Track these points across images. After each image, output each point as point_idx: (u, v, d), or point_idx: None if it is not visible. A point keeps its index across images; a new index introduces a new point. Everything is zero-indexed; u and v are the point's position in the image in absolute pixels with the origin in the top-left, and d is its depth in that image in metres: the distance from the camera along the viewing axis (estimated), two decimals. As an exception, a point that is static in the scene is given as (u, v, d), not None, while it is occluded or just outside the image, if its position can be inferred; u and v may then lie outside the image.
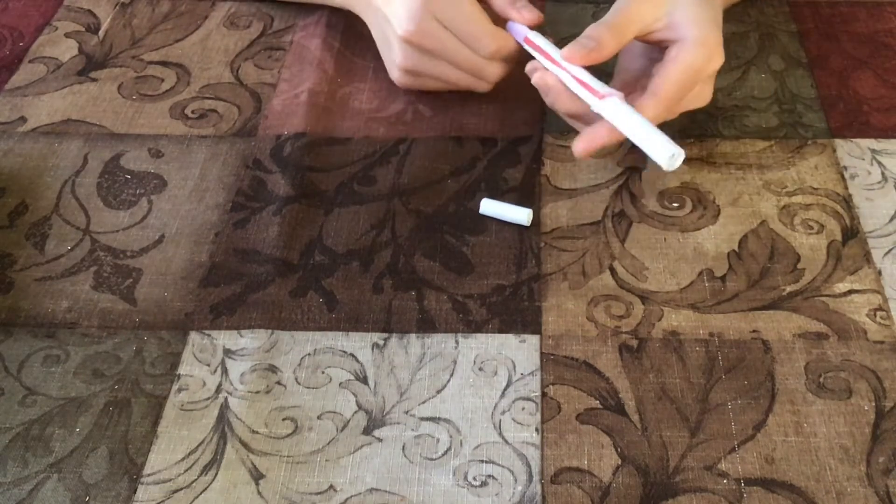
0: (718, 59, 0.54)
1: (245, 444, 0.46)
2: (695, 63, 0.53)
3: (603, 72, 0.55)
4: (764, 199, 0.56)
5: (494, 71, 0.60)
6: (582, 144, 0.53)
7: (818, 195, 0.56)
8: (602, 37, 0.54)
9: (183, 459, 0.45)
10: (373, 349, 0.50)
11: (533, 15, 0.59)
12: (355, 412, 0.47)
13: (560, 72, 0.54)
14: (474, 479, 0.44)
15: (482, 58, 0.59)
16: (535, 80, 0.55)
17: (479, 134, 0.61)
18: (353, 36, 0.68)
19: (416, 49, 0.60)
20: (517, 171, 0.58)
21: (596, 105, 0.52)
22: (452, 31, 0.58)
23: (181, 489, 0.44)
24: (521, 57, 0.58)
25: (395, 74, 0.63)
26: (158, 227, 0.56)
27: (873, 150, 0.59)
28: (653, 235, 0.54)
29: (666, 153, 0.49)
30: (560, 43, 0.56)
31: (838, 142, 0.59)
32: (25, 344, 0.50)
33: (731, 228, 0.55)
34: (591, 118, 0.53)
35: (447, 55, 0.59)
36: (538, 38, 0.58)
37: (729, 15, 0.69)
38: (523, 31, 0.59)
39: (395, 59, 0.61)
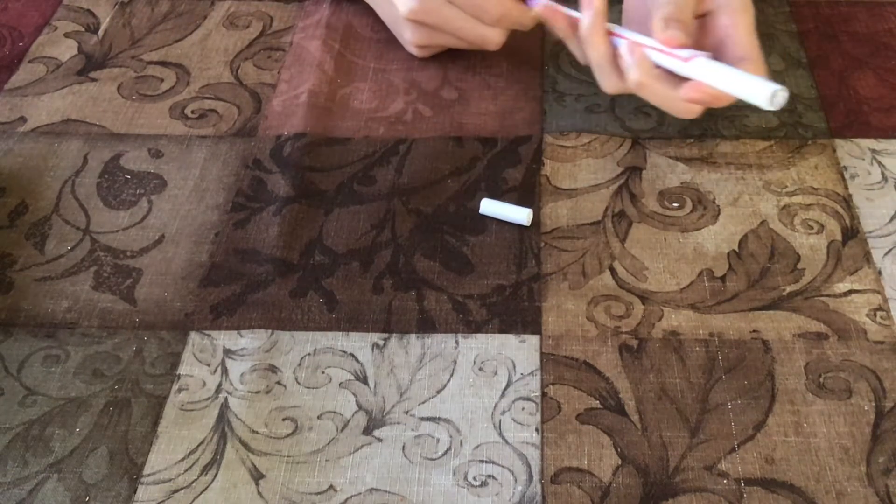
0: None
1: (245, 444, 0.46)
2: (748, 24, 0.53)
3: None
4: (764, 199, 0.56)
5: (496, 37, 0.62)
6: (693, 94, 0.52)
7: (818, 195, 0.56)
8: (688, 18, 0.53)
9: (183, 459, 0.45)
10: (373, 349, 0.50)
11: None
12: (355, 412, 0.47)
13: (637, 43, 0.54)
14: (474, 479, 0.44)
15: (487, 25, 0.61)
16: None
17: (479, 134, 0.61)
18: (352, 37, 0.68)
19: (422, 26, 0.63)
20: (517, 171, 0.58)
21: (684, 69, 0.52)
22: (455, 3, 0.60)
23: (181, 489, 0.44)
24: (526, 21, 0.61)
25: (410, 49, 0.66)
26: (158, 227, 0.56)
27: (873, 150, 0.59)
28: (653, 235, 0.55)
29: (768, 92, 0.49)
30: None
31: (838, 142, 0.59)
32: (25, 344, 0.50)
33: (731, 228, 0.55)
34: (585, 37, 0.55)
35: (451, 29, 0.61)
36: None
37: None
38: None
39: (405, 37, 0.65)
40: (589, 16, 0.54)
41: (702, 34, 0.55)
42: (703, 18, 0.55)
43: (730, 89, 0.51)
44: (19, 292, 0.53)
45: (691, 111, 0.54)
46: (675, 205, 0.56)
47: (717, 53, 0.54)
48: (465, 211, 0.56)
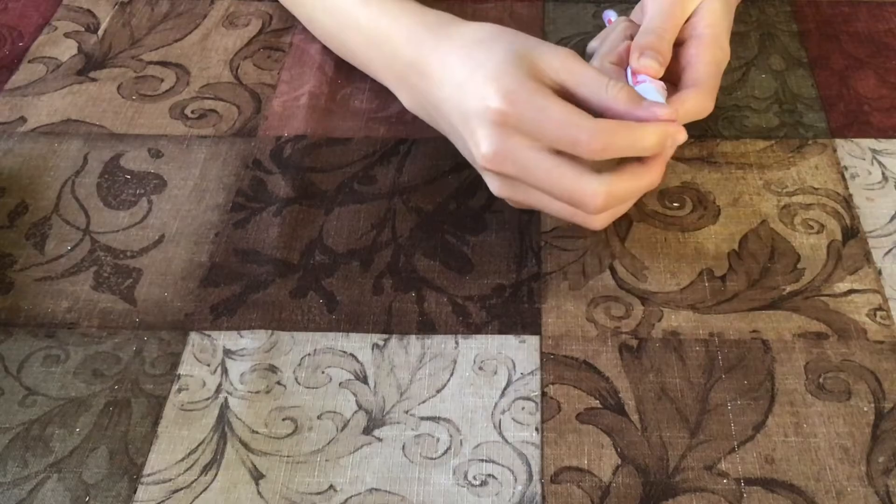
0: (726, 61, 0.55)
1: (245, 444, 0.46)
2: (713, 60, 0.53)
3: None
4: (764, 199, 0.56)
5: (599, 196, 0.47)
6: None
7: (818, 195, 0.56)
8: (666, 52, 0.53)
9: (183, 459, 0.45)
10: (373, 349, 0.50)
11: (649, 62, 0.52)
12: (355, 412, 0.47)
13: None
14: (474, 478, 0.44)
15: (585, 170, 0.47)
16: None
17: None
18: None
19: (500, 177, 0.50)
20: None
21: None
22: (543, 141, 0.47)
23: (181, 489, 0.44)
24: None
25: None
26: (158, 228, 0.56)
27: (874, 150, 0.59)
28: (653, 235, 0.54)
29: None
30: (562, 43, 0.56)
31: (839, 142, 0.59)
32: (25, 344, 0.50)
33: (731, 228, 0.55)
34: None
35: (537, 181, 0.48)
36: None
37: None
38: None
39: (492, 188, 0.51)
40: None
41: (672, 60, 0.55)
42: (676, 48, 0.55)
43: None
44: (19, 292, 0.53)
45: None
46: (676, 205, 0.56)
47: (677, 79, 0.54)
48: (466, 209, 0.56)
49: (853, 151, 0.59)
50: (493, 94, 0.47)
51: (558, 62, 0.48)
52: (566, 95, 0.48)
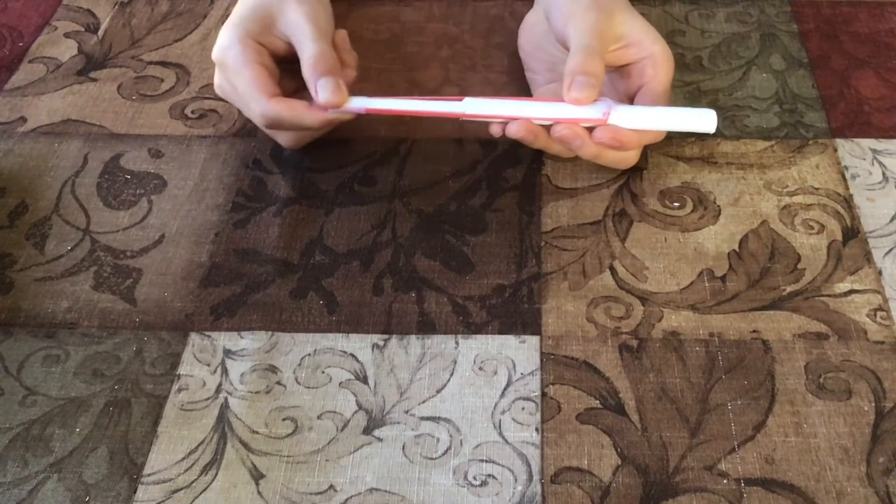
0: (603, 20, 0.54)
1: (245, 444, 0.46)
2: (669, 77, 0.55)
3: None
4: (765, 199, 0.56)
5: (256, 118, 0.55)
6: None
7: (819, 195, 0.56)
8: (598, 69, 0.51)
9: (183, 459, 0.45)
10: (373, 349, 0.50)
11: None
12: (355, 412, 0.47)
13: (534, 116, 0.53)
14: (474, 478, 0.44)
15: (261, 98, 0.54)
16: (516, 132, 0.52)
17: (479, 136, 0.61)
18: (352, 38, 0.68)
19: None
20: (518, 171, 0.58)
21: (608, 122, 0.52)
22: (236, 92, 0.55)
23: (181, 489, 0.44)
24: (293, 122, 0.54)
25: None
26: (158, 228, 0.56)
27: (874, 150, 0.59)
28: (653, 235, 0.54)
29: (711, 119, 0.51)
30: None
31: (839, 141, 0.59)
32: (25, 344, 0.50)
33: (731, 228, 0.55)
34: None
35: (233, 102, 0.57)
36: (482, 105, 0.53)
37: (730, 15, 0.69)
38: (474, 107, 0.53)
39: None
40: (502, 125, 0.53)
41: (620, 78, 0.56)
42: (623, 67, 0.56)
43: (662, 126, 0.53)
44: (19, 292, 0.53)
45: (624, 160, 0.55)
46: (676, 204, 0.56)
47: (632, 96, 0.55)
48: (466, 210, 0.56)
49: (854, 151, 0.59)
50: (217, 42, 0.55)
51: (294, 16, 0.55)
52: (292, 50, 0.55)
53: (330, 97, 0.52)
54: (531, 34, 0.61)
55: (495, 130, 0.53)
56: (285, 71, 0.56)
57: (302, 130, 0.57)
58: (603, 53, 0.53)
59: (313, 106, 0.53)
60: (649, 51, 0.54)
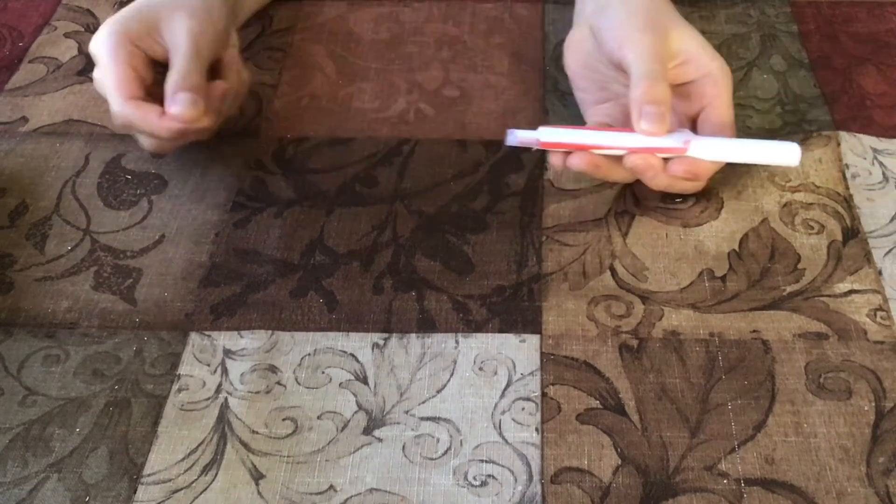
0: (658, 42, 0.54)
1: (245, 445, 0.46)
2: (730, 96, 0.54)
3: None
4: (767, 193, 0.56)
5: (116, 116, 0.55)
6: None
7: (819, 194, 0.56)
8: (665, 95, 0.51)
9: (183, 459, 0.45)
10: (373, 349, 0.50)
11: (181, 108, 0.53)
12: (355, 412, 0.47)
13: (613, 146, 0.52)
14: (474, 478, 0.44)
15: (117, 97, 0.55)
16: (577, 164, 0.52)
17: (482, 136, 0.61)
18: (352, 40, 0.69)
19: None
20: (520, 178, 0.58)
21: (687, 153, 0.52)
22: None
23: (181, 489, 0.44)
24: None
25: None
26: (158, 227, 0.56)
27: (875, 150, 0.59)
28: (654, 230, 0.54)
29: (795, 153, 0.52)
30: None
31: (843, 134, 0.59)
32: (25, 344, 0.50)
33: (732, 226, 0.55)
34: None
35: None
36: (562, 134, 0.52)
37: (730, 16, 0.69)
38: (538, 136, 0.53)
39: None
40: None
41: (679, 99, 0.55)
42: (682, 86, 0.55)
43: (744, 159, 0.53)
44: (19, 292, 0.53)
45: (693, 186, 0.55)
46: (679, 199, 0.56)
47: (694, 118, 0.55)
48: (467, 210, 0.56)
49: (855, 148, 0.59)
50: (95, 34, 0.56)
51: (177, 28, 0.56)
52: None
53: (181, 111, 0.53)
54: (578, 53, 0.59)
55: (556, 161, 0.53)
56: (163, 76, 0.56)
57: (153, 138, 0.56)
58: (665, 76, 0.52)
59: (165, 116, 0.53)
60: (707, 68, 0.54)
